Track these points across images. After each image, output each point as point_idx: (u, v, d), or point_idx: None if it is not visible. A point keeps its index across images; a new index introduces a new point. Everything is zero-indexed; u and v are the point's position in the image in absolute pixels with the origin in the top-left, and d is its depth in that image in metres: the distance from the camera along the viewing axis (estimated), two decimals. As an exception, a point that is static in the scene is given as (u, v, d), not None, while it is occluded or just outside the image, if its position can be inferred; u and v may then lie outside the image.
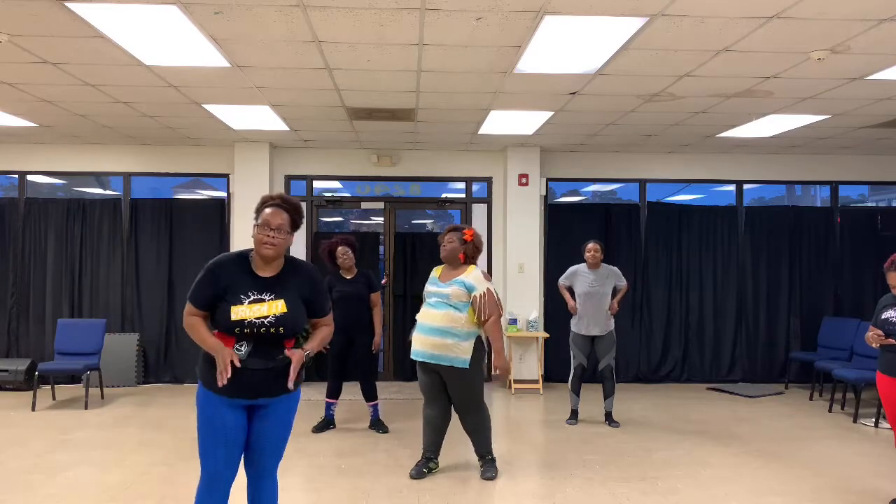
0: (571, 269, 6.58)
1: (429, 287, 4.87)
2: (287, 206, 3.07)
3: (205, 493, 3.08)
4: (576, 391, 6.57)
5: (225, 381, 2.92)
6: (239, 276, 3.04)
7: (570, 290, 6.54)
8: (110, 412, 6.90)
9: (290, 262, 3.16)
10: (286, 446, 3.24)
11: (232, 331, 2.99)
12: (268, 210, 3.04)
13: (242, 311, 2.97)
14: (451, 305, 4.69)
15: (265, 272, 3.07)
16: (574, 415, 6.59)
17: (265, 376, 3.03)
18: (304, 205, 8.40)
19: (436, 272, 4.96)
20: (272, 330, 2.99)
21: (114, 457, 5.34)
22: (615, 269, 6.53)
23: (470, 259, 4.88)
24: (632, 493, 4.59)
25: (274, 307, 2.99)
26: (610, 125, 7.10)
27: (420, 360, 4.79)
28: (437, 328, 4.67)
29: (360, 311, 6.09)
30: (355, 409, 6.80)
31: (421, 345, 4.75)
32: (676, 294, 8.77)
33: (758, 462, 5.36)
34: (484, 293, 4.68)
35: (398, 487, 4.67)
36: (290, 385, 3.07)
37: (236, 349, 2.99)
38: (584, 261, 6.46)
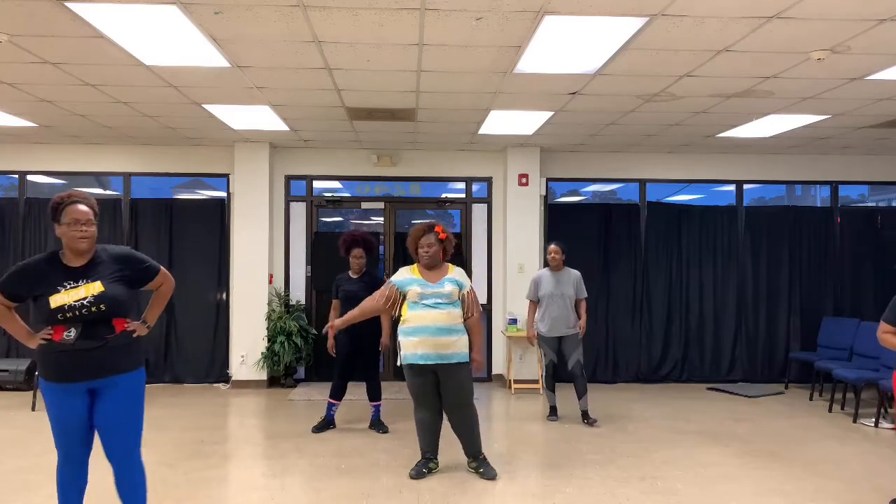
0: (535, 276, 6.70)
1: (419, 289, 4.77)
2: (86, 200, 3.31)
3: (63, 468, 3.39)
4: (550, 388, 6.69)
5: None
6: (52, 272, 3.27)
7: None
8: (110, 412, 6.89)
9: (102, 249, 3.41)
10: (142, 428, 3.42)
11: (56, 318, 3.22)
12: (72, 208, 3.25)
13: (61, 298, 3.21)
14: (451, 304, 4.79)
15: (77, 263, 3.30)
16: (553, 411, 6.66)
17: (97, 357, 3.25)
18: (305, 204, 8.66)
19: (413, 272, 4.87)
20: (93, 309, 3.22)
21: (114, 457, 5.33)
22: (578, 273, 6.60)
23: (447, 255, 4.95)
24: (632, 493, 4.59)
25: (91, 289, 3.24)
26: (610, 125, 7.10)
27: (428, 363, 4.74)
28: (444, 328, 4.73)
29: None
30: (355, 410, 6.80)
31: (430, 347, 4.72)
32: (676, 294, 8.77)
33: (758, 462, 5.36)
34: (471, 290, 4.95)
35: (398, 487, 4.67)
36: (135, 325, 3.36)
37: (66, 336, 3.23)
38: (547, 264, 6.63)
